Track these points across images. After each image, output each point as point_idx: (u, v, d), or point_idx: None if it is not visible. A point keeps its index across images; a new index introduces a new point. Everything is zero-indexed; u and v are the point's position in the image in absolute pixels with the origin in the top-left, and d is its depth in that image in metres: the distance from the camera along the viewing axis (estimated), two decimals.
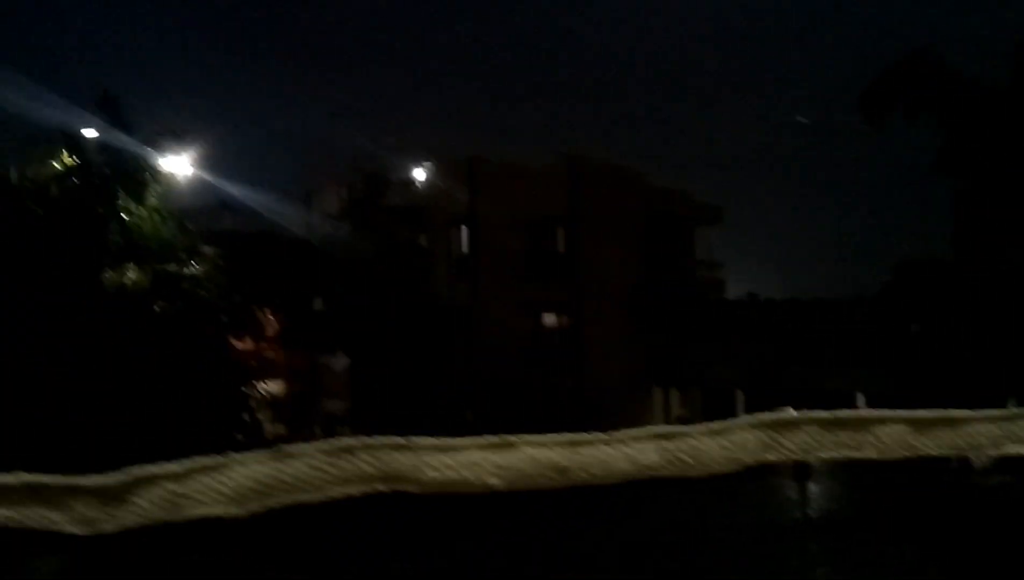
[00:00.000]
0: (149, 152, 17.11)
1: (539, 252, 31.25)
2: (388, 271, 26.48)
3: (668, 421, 31.35)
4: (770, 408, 2.88)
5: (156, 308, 16.59)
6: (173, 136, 18.01)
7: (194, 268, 17.67)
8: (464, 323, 28.36)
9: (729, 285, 35.30)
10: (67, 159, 16.01)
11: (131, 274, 15.77)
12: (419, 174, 30.74)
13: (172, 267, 17.19)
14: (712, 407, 28.49)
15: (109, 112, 16.91)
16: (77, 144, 16.52)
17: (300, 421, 25.02)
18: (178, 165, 19.33)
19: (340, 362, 28.28)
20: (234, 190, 27.03)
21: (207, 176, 23.76)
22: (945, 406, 2.81)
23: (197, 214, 21.10)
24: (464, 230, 31.05)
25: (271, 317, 22.23)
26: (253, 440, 18.58)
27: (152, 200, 17.40)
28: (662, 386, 31.29)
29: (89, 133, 16.80)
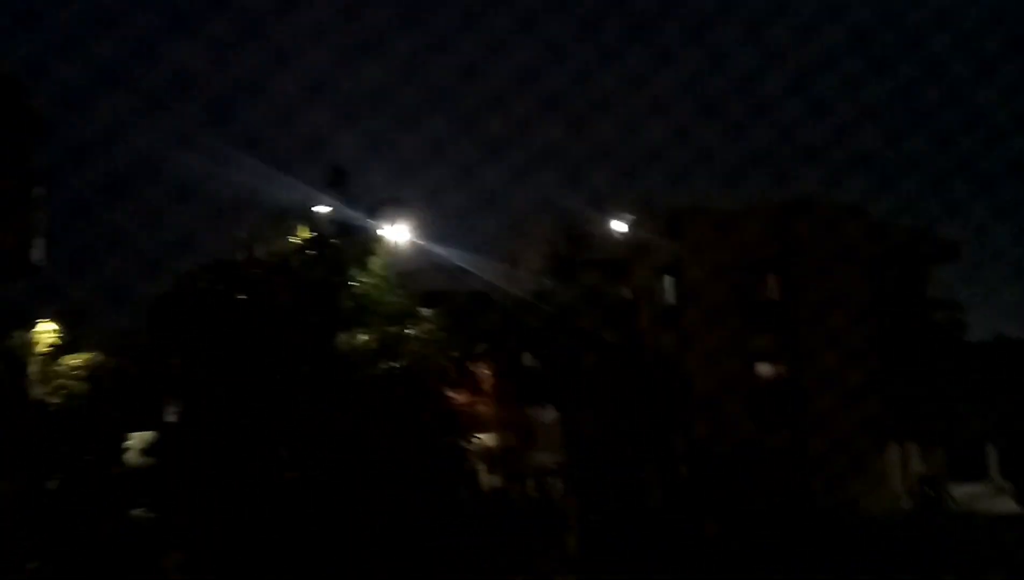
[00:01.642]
0: (372, 222, 18.57)
1: (750, 299, 30.49)
2: (594, 324, 26.88)
3: (907, 481, 29.32)
4: None
5: (382, 367, 17.87)
6: (392, 206, 19.40)
7: (415, 329, 18.87)
8: (673, 374, 28.18)
9: (971, 327, 32.51)
10: (303, 234, 17.73)
11: (361, 336, 17.11)
12: (621, 226, 31.09)
13: (396, 329, 18.45)
14: (960, 464, 26.18)
15: (338, 188, 18.56)
16: (311, 219, 18.26)
17: (513, 473, 25.72)
18: (397, 232, 20.78)
19: (549, 415, 28.86)
20: (446, 252, 28.60)
21: (422, 241, 25.33)
22: None
23: (414, 277, 22.50)
24: (669, 280, 30.98)
25: (485, 372, 23.19)
26: (471, 490, 19.46)
27: (377, 267, 18.83)
28: (898, 441, 29.17)
29: (321, 209, 18.50)
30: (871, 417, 28.17)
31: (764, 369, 31.02)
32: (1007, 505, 23.19)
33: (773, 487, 24.59)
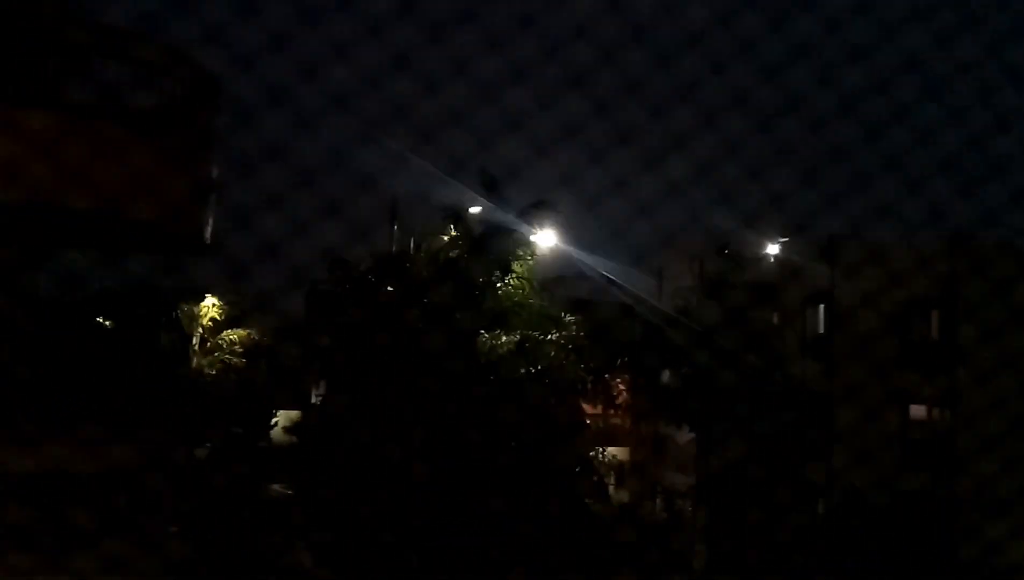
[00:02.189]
0: (521, 225, 18.68)
1: (906, 337, 28.84)
2: (738, 347, 26.10)
3: None
4: None
5: (521, 370, 17.93)
6: (541, 210, 19.46)
7: (555, 335, 18.85)
8: (818, 407, 27.00)
9: None
10: (456, 233, 18.05)
11: (502, 338, 17.25)
12: (774, 250, 30.06)
13: (536, 333, 18.49)
14: None
15: (490, 190, 18.79)
16: (461, 219, 18.56)
17: (642, 490, 25.33)
18: (545, 237, 20.82)
19: (684, 436, 28.25)
20: (593, 261, 28.47)
21: (569, 247, 25.31)
22: None
23: (559, 283, 22.48)
24: (821, 309, 29.71)
25: (621, 386, 22.92)
26: (599, 502, 19.26)
27: (522, 271, 18.94)
28: None
29: (474, 210, 18.78)
30: None
31: (917, 411, 29.30)
32: None
33: (914, 532, 23.23)
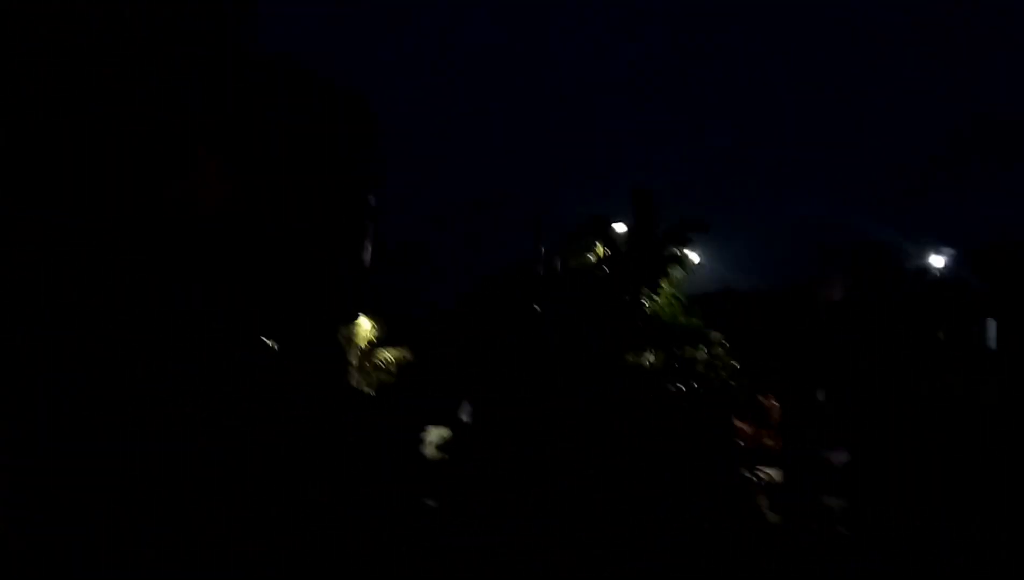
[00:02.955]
0: (669, 243, 18.53)
1: None
2: (898, 365, 24.85)
3: None
4: None
5: (670, 388, 17.72)
6: (690, 227, 19.25)
7: (705, 352, 18.56)
8: (987, 425, 25.30)
9: None
10: (600, 250, 18.09)
11: (650, 356, 17.10)
12: (937, 262, 28.52)
13: (686, 351, 18.26)
14: None
15: (639, 206, 18.75)
16: (610, 236, 18.60)
17: (798, 513, 24.36)
18: (691, 253, 20.53)
19: (841, 457, 27.04)
20: (739, 278, 27.88)
21: (716, 263, 24.84)
22: None
23: (709, 301, 22.10)
24: (992, 323, 27.88)
25: (774, 404, 22.22)
26: (754, 526, 18.68)
27: (670, 288, 18.77)
28: None
29: (620, 226, 18.78)
30: None
31: None
32: None
33: None
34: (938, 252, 28.66)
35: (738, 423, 18.94)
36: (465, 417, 16.90)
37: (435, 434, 16.70)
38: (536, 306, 16.57)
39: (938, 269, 28.90)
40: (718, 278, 26.86)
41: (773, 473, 23.08)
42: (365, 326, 18.33)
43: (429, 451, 16.42)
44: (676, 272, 18.92)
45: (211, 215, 10.94)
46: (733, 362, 19.15)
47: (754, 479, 19.05)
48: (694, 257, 21.09)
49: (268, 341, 13.99)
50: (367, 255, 11.38)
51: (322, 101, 11.65)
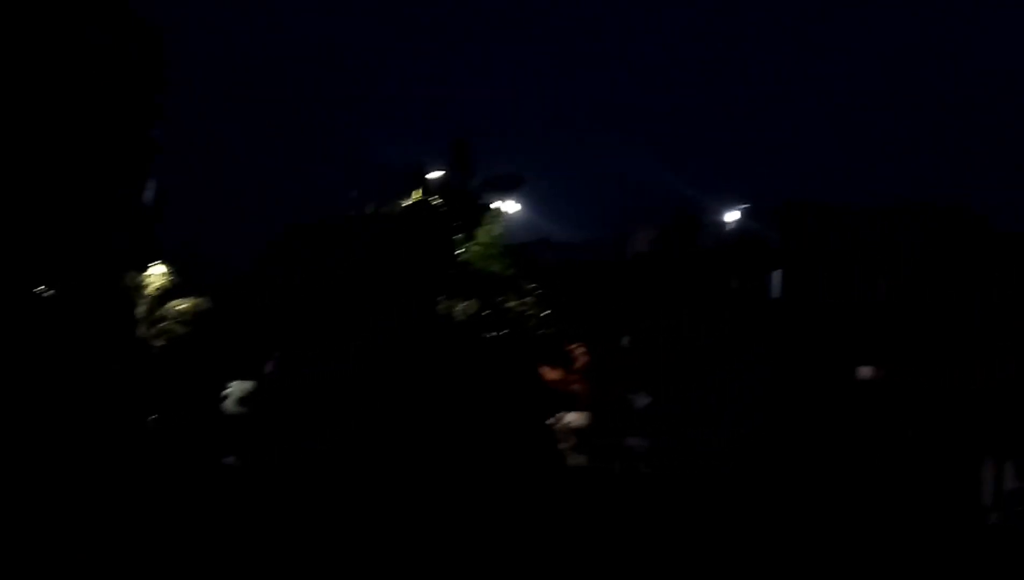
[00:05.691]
0: (484, 192, 18.33)
1: (859, 300, 29.12)
2: (698, 313, 26.11)
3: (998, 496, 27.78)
4: None
5: (481, 335, 17.66)
6: (509, 179, 19.14)
7: (516, 301, 18.60)
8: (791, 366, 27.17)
9: None
10: (414, 198, 17.63)
11: (461, 303, 16.92)
12: (731, 217, 30.05)
13: (497, 299, 18.21)
14: None
15: (455, 157, 18.41)
16: (424, 185, 18.15)
17: (601, 454, 25.30)
18: (507, 205, 20.45)
19: (643, 400, 28.26)
20: (556, 229, 28.26)
21: (532, 215, 24.98)
22: None
23: (521, 251, 22.16)
24: (777, 274, 29.81)
25: (581, 351, 22.76)
26: (556, 466, 19.14)
27: (485, 237, 18.61)
28: (996, 456, 27.69)
29: (435, 175, 18.36)
30: (969, 430, 26.83)
31: (864, 371, 29.67)
32: None
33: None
34: (734, 208, 30.17)
35: (547, 370, 19.21)
36: (271, 370, 16.13)
37: (238, 389, 15.84)
38: (344, 253, 15.92)
39: (733, 224, 30.43)
40: (538, 229, 27.13)
41: (579, 417, 23.80)
42: (157, 274, 16.95)
43: (230, 407, 15.55)
44: (492, 222, 18.77)
45: None
46: (544, 311, 19.31)
47: (562, 424, 19.47)
48: (513, 208, 21.05)
49: (40, 288, 12.55)
50: (150, 194, 10.33)
51: (98, 20, 10.31)
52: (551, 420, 19.61)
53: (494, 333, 17.28)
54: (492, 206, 18.48)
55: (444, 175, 18.34)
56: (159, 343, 16.16)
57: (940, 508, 22.58)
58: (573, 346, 21.83)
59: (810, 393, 26.70)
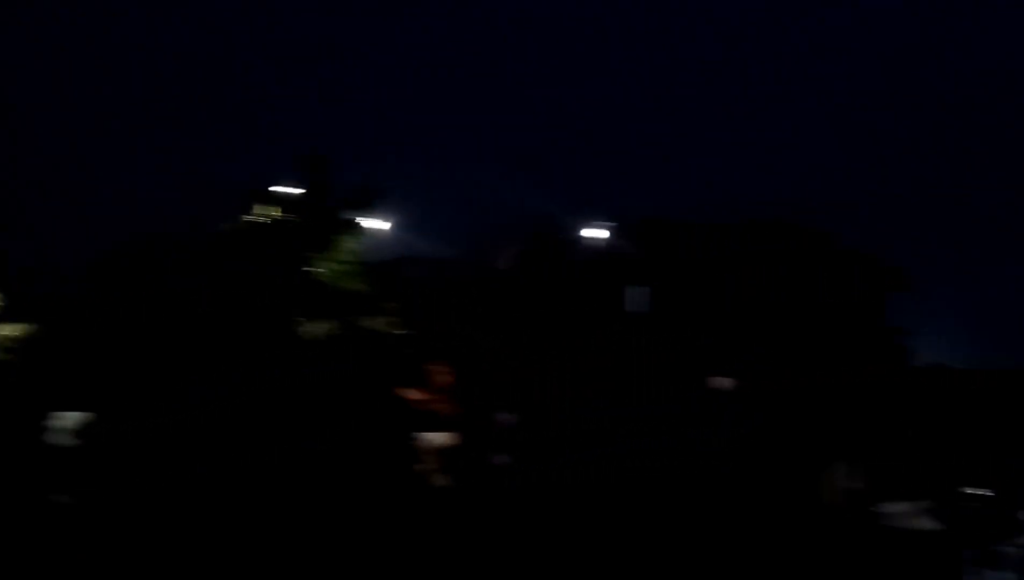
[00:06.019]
0: (343, 209, 17.95)
1: (707, 311, 30.26)
2: (562, 330, 26.34)
3: (833, 495, 29.37)
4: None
5: (339, 357, 17.24)
6: (366, 194, 18.81)
7: (376, 321, 18.28)
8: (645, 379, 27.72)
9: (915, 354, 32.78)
10: (265, 213, 17.04)
11: (317, 323, 16.48)
12: (592, 233, 30.59)
13: (356, 319, 17.85)
14: (890, 483, 26.58)
15: (308, 171, 17.94)
16: (275, 200, 17.58)
17: (466, 473, 25.12)
18: (371, 221, 20.09)
19: (509, 419, 28.27)
20: (420, 245, 27.99)
21: (394, 231, 24.65)
22: None
23: (385, 268, 21.83)
24: (634, 289, 30.56)
25: (445, 370, 22.55)
26: (419, 488, 18.88)
27: (343, 255, 18.22)
28: (831, 457, 29.26)
29: (287, 190, 17.85)
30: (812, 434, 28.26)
31: (720, 381, 30.71)
32: (925, 522, 24.01)
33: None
34: (597, 225, 30.71)
35: (409, 391, 18.94)
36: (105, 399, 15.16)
37: (70, 419, 14.81)
38: (186, 274, 15.21)
39: (594, 240, 30.95)
40: (408, 246, 26.79)
41: (446, 437, 23.54)
42: None
43: (59, 439, 14.52)
44: (351, 239, 18.38)
45: None
46: (407, 330, 19.06)
47: (419, 445, 19.22)
48: (379, 224, 20.71)
49: None
50: None
51: None
52: (412, 441, 19.34)
53: (351, 354, 16.88)
54: (351, 222, 18.11)
55: (298, 191, 17.85)
56: None
57: (789, 508, 23.51)
58: (436, 365, 21.62)
59: (661, 408, 27.32)
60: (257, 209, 17.15)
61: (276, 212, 17.63)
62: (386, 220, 22.01)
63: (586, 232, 30.70)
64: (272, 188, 17.83)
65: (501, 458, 28.00)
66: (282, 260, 16.94)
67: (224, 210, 16.99)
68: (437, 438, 20.77)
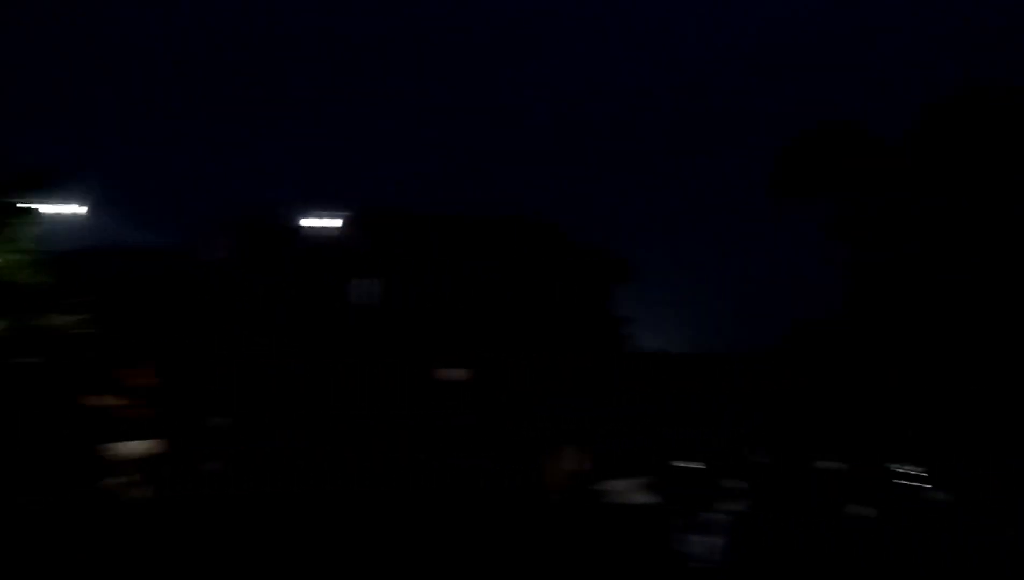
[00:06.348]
0: (11, 192, 15.87)
1: (429, 306, 30.63)
2: (271, 323, 25.33)
3: (559, 476, 31.01)
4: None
5: (17, 360, 15.38)
6: (40, 176, 16.78)
7: (62, 319, 16.44)
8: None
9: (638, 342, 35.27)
10: None
11: None
12: (311, 223, 29.77)
13: (37, 317, 15.96)
14: (616, 463, 28.35)
15: None
16: None
17: (172, 482, 23.42)
18: (55, 206, 17.96)
19: (218, 421, 26.80)
20: (123, 235, 25.67)
21: (91, 219, 22.40)
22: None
23: (73, 260, 19.66)
24: (365, 282, 30.21)
25: (144, 373, 20.78)
26: (110, 499, 17.26)
27: (17, 244, 16.16)
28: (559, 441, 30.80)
29: None
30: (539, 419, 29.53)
31: (450, 373, 31.17)
32: (644, 497, 26.14)
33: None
34: (324, 215, 29.86)
35: (100, 398, 17.20)
36: None
37: None
38: None
39: (312, 230, 30.09)
40: (107, 234, 24.39)
41: (148, 445, 21.72)
42: None
43: None
44: (24, 226, 16.30)
45: None
46: (99, 328, 17.27)
47: (109, 454, 17.57)
48: (68, 209, 18.54)
49: None
50: None
51: None
52: (102, 451, 17.59)
53: (27, 357, 15.01)
54: (21, 207, 16.05)
55: None
56: None
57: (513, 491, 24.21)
58: (136, 367, 19.86)
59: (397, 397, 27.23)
60: None
61: None
62: (79, 206, 19.86)
63: (310, 222, 29.76)
64: None
65: (213, 465, 26.44)
66: None
67: None
68: (136, 447, 19.04)
